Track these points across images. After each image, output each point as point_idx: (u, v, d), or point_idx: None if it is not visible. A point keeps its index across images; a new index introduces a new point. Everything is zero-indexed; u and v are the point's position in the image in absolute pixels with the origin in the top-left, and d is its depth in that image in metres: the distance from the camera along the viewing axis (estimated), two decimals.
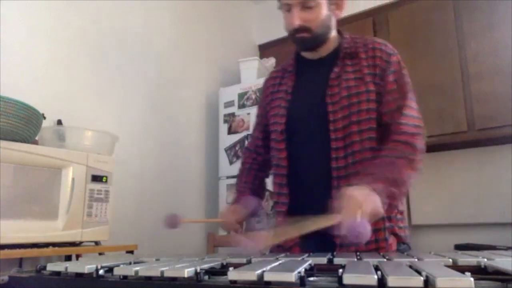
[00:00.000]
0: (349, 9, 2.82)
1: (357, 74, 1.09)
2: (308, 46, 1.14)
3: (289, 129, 1.14)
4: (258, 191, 1.31)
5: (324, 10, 1.09)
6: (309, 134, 1.11)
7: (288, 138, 1.14)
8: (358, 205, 0.81)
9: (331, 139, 1.05)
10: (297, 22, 1.07)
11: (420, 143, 1.03)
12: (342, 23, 3.12)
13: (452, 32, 2.42)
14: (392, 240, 1.05)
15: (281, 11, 1.14)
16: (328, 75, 1.11)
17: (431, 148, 2.54)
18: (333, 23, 1.15)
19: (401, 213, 1.12)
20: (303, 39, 1.10)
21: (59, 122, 1.78)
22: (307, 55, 1.19)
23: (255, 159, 1.32)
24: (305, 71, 1.19)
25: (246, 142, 1.35)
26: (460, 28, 2.40)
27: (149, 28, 2.43)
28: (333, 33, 1.16)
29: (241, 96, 2.66)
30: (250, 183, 1.29)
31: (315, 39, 1.11)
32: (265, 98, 1.29)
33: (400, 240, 1.08)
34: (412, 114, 1.06)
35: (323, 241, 0.97)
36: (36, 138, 1.48)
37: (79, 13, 2.01)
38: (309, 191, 1.10)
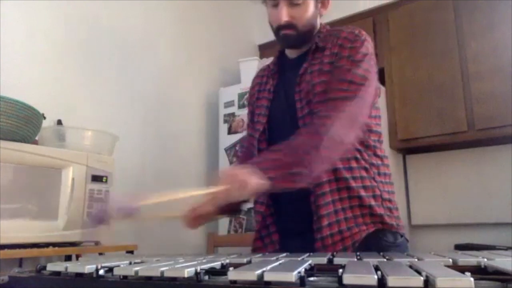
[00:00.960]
0: (349, 9, 2.82)
1: (323, 66, 1.06)
2: (292, 44, 1.13)
3: (269, 128, 1.14)
4: None
5: (311, 8, 1.08)
6: (285, 133, 1.06)
7: (269, 138, 1.14)
8: (236, 178, 0.84)
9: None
10: (284, 18, 1.05)
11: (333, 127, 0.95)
12: (342, 23, 3.12)
13: (452, 32, 2.42)
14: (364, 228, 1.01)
15: (265, 6, 1.12)
16: (298, 72, 1.11)
17: (431, 148, 2.55)
18: (318, 21, 1.13)
19: (390, 201, 1.07)
20: (287, 36, 1.09)
21: (59, 122, 1.78)
22: (289, 53, 1.18)
23: (251, 155, 1.26)
24: (286, 70, 1.18)
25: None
26: (460, 28, 2.40)
27: (149, 28, 2.43)
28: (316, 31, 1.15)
29: (241, 96, 2.66)
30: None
31: (299, 37, 1.09)
32: (251, 97, 1.28)
33: (392, 229, 1.04)
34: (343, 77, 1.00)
35: (303, 242, 1.00)
36: (36, 138, 1.48)
37: (79, 13, 2.01)
38: (285, 202, 1.10)
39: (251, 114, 1.27)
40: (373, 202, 1.03)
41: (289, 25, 1.07)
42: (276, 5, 1.07)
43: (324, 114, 0.97)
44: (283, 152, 0.93)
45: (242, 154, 1.32)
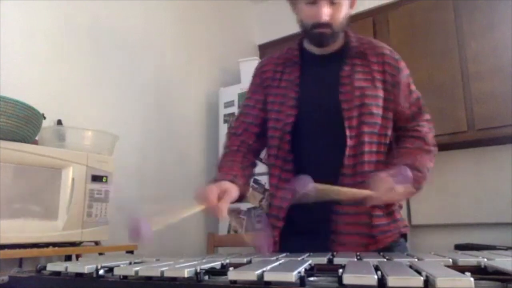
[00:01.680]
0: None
1: (367, 75, 1.10)
2: (325, 42, 1.12)
3: (298, 122, 1.11)
4: (247, 172, 1.14)
5: (346, 8, 1.09)
6: (319, 130, 1.09)
7: (294, 131, 1.11)
8: (390, 185, 0.93)
9: (347, 137, 1.05)
10: (325, 16, 1.05)
11: (432, 138, 1.15)
12: None
13: (452, 32, 2.42)
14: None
15: (293, 3, 1.12)
16: (338, 72, 1.10)
17: None
18: (347, 21, 1.14)
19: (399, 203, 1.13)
20: (323, 35, 1.08)
21: (59, 122, 1.78)
22: (313, 49, 1.17)
23: (243, 143, 1.18)
24: (312, 65, 1.16)
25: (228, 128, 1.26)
26: (460, 28, 2.40)
27: (149, 28, 2.43)
28: None
29: (241, 96, 2.65)
30: (238, 162, 1.12)
31: (333, 36, 1.10)
32: (262, 83, 1.21)
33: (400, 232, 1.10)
34: (426, 117, 1.17)
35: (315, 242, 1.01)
36: (36, 138, 1.48)
37: (79, 13, 2.01)
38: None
39: (258, 102, 1.20)
40: (395, 207, 1.09)
41: (326, 24, 1.07)
42: (313, 2, 1.06)
43: (427, 142, 1.12)
44: (417, 165, 1.04)
45: (236, 141, 1.19)
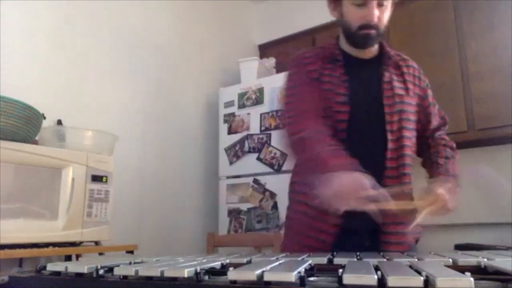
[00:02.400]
0: None
1: (402, 84, 1.15)
2: (370, 44, 1.14)
3: (350, 119, 1.09)
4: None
5: (389, 11, 1.11)
6: (363, 127, 1.10)
7: (347, 128, 1.09)
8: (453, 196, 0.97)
9: (388, 140, 1.08)
10: (375, 18, 1.07)
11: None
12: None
13: (452, 32, 2.42)
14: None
15: (335, 4, 1.13)
16: (378, 78, 1.13)
17: None
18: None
19: None
20: (369, 36, 1.10)
21: (59, 122, 1.79)
22: (352, 51, 1.17)
23: (308, 128, 1.07)
24: (352, 67, 1.16)
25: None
26: (460, 28, 2.40)
27: (149, 28, 2.43)
28: None
29: (241, 96, 2.66)
30: (334, 145, 1.02)
31: (377, 38, 1.12)
32: (308, 74, 1.15)
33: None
34: (446, 128, 1.27)
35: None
36: (36, 138, 1.48)
37: (79, 13, 2.02)
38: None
39: (317, 92, 1.12)
40: None
41: (373, 26, 1.08)
42: (362, 4, 1.07)
43: (455, 150, 1.20)
44: (456, 174, 1.11)
45: (322, 136, 1.05)
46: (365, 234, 1.04)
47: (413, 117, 1.14)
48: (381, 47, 1.20)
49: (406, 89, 1.15)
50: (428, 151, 1.20)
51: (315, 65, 1.17)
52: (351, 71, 1.15)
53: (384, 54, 1.18)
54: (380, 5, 1.07)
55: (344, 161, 0.94)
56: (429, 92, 1.22)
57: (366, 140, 1.10)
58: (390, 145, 1.08)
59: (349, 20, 1.11)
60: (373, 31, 1.09)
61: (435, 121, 1.22)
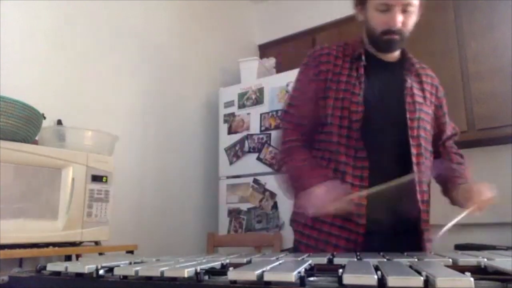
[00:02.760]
0: (349, 10, 2.82)
1: (421, 92, 1.17)
2: (394, 49, 1.15)
3: (364, 119, 1.09)
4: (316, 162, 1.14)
5: (415, 16, 1.11)
6: (384, 129, 1.11)
7: (362, 127, 1.09)
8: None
9: (411, 145, 1.10)
10: (399, 24, 1.07)
11: None
12: (342, 23, 3.10)
13: (452, 32, 2.42)
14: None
15: (360, 9, 1.15)
16: (401, 82, 1.14)
17: None
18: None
19: None
20: (392, 41, 1.10)
21: (59, 122, 1.79)
22: (375, 53, 1.18)
23: (299, 139, 1.16)
24: (375, 68, 1.16)
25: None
26: (460, 28, 2.39)
27: (149, 28, 2.43)
28: None
29: (241, 96, 2.66)
30: (310, 159, 1.12)
31: (400, 43, 1.13)
32: (321, 73, 1.16)
33: None
34: (456, 138, 1.32)
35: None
36: (36, 138, 1.48)
37: (79, 13, 2.01)
38: (383, 177, 1.02)
39: (314, 92, 1.15)
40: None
41: (397, 31, 1.09)
42: (387, 10, 1.07)
43: (463, 161, 1.28)
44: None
45: (295, 136, 1.16)
46: (392, 236, 1.05)
47: (429, 127, 1.16)
48: (403, 52, 1.21)
49: (424, 98, 1.17)
50: (444, 157, 1.24)
51: (329, 65, 1.16)
52: (372, 72, 1.16)
53: (407, 60, 1.19)
54: (404, 10, 1.07)
55: (317, 174, 1.05)
56: (444, 102, 1.26)
57: (386, 143, 1.11)
58: (413, 150, 1.09)
59: (373, 25, 1.12)
60: (396, 36, 1.09)
61: (448, 131, 1.26)
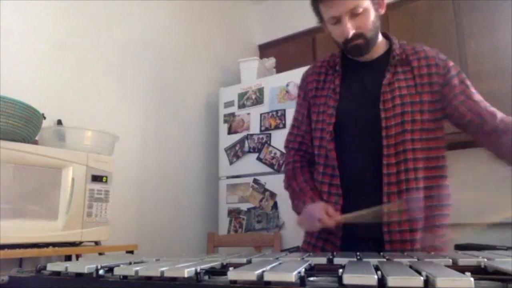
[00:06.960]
0: None
1: (410, 82, 1.11)
2: (364, 52, 1.13)
3: (338, 129, 1.13)
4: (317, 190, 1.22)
5: (372, 12, 1.08)
6: (359, 137, 1.11)
7: (336, 138, 1.13)
8: None
9: (383, 146, 1.06)
10: (351, 31, 1.06)
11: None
12: None
13: (452, 32, 2.42)
14: None
15: (324, 25, 1.14)
16: (380, 80, 1.11)
17: None
18: (379, 23, 1.13)
19: None
20: (358, 46, 1.10)
21: (59, 122, 1.79)
22: (353, 57, 1.18)
23: (303, 157, 1.26)
24: (354, 72, 1.17)
25: (286, 142, 1.30)
26: (460, 28, 2.40)
27: (149, 28, 2.43)
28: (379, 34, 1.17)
29: (241, 96, 2.66)
30: (310, 182, 1.20)
31: (368, 44, 1.11)
32: (307, 94, 1.24)
33: None
34: (485, 104, 1.21)
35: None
36: (36, 138, 1.48)
37: (79, 13, 2.01)
38: (359, 192, 1.09)
39: (305, 113, 1.24)
40: None
41: (357, 36, 1.08)
42: (337, 21, 1.07)
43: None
44: None
45: (298, 157, 1.26)
46: (370, 242, 1.05)
47: (421, 117, 1.08)
48: (391, 44, 1.18)
49: (414, 86, 1.10)
50: (497, 142, 1.14)
51: (313, 84, 1.23)
52: (350, 78, 1.17)
53: (392, 52, 1.15)
54: (353, 14, 1.05)
55: (307, 197, 1.14)
56: (454, 78, 1.14)
57: (360, 147, 1.10)
58: (385, 151, 1.06)
59: (334, 37, 1.13)
60: (358, 41, 1.08)
61: (483, 111, 1.17)
